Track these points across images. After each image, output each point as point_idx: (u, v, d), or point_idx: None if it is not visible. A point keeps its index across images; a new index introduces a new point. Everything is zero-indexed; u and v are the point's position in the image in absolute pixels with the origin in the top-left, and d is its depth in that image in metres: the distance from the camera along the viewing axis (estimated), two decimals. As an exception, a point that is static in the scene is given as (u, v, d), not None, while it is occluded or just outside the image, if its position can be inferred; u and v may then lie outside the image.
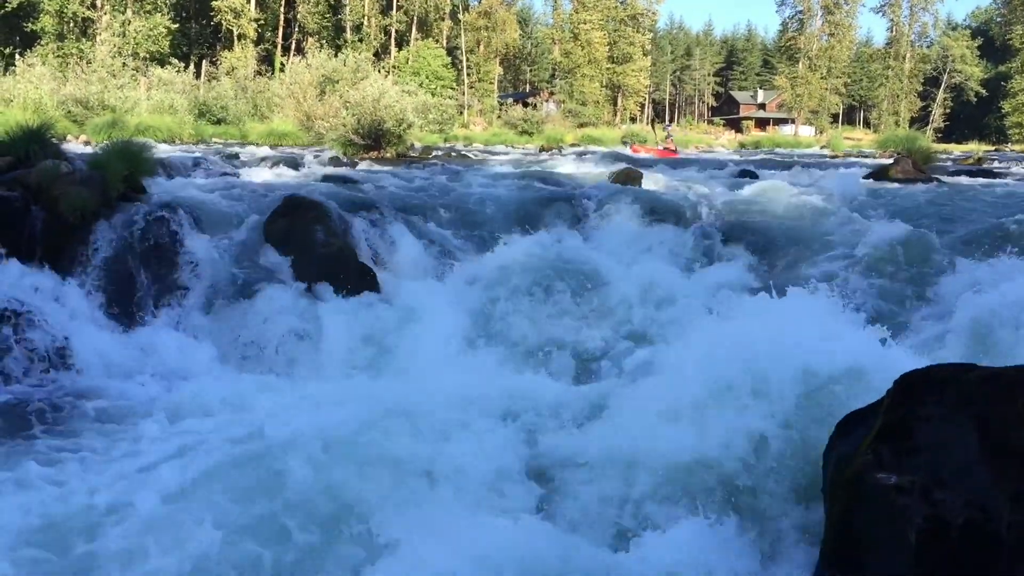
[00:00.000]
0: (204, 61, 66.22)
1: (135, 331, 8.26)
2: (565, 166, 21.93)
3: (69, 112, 33.15)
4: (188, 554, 4.19)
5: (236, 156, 20.37)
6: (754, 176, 17.92)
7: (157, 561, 4.15)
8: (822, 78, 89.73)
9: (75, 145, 22.56)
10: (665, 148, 36.47)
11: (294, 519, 4.48)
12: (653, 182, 15.48)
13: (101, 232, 8.92)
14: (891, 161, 19.11)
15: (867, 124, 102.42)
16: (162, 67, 49.90)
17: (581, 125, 71.30)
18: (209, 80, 56.99)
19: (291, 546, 4.32)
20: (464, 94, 75.72)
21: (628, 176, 15.53)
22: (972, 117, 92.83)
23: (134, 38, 55.05)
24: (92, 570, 4.12)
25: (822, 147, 57.90)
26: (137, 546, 4.27)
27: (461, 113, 66.88)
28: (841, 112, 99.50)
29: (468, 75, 78.85)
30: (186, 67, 54.02)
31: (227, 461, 5.10)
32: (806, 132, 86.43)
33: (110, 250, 8.85)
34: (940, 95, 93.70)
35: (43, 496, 4.89)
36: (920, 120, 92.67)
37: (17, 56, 43.08)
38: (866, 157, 33.29)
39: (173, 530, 4.37)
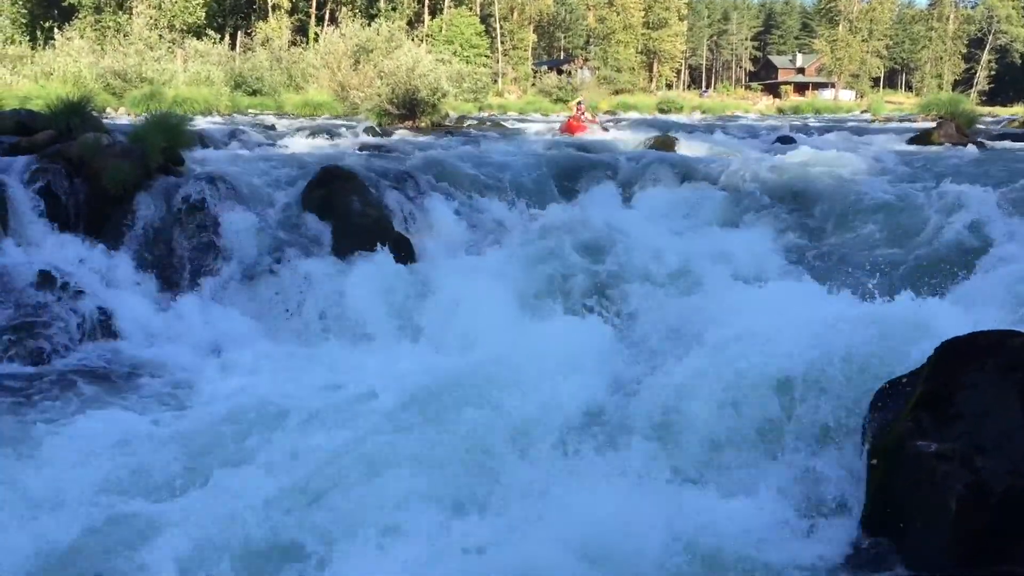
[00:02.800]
0: (239, 32, 66.42)
1: (176, 300, 8.38)
2: (600, 133, 21.79)
3: (108, 85, 33.43)
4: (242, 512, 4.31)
5: (272, 127, 20.48)
6: (792, 141, 17.68)
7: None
8: (863, 41, 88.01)
9: (115, 118, 22.80)
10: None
11: (343, 483, 4.57)
12: (689, 148, 15.36)
13: (142, 204, 9.03)
14: (934, 125, 18.75)
15: (909, 87, 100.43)
16: (198, 39, 50.15)
17: (616, 92, 70.62)
18: (244, 51, 57.16)
19: (351, 505, 4.41)
20: (498, 62, 75.26)
21: (664, 142, 15.44)
22: (1018, 79, 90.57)
23: (170, 10, 55.30)
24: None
25: (863, 111, 56.92)
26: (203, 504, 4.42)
27: (495, 81, 66.50)
28: (882, 75, 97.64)
29: (502, 43, 78.30)
30: (221, 38, 54.33)
31: (267, 428, 5.20)
32: (846, 96, 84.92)
33: (150, 221, 8.97)
34: (984, 57, 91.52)
35: (98, 455, 5.02)
36: (964, 83, 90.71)
37: (56, 30, 43.51)
38: (908, 121, 32.66)
39: (225, 491, 4.51)
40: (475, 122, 27.20)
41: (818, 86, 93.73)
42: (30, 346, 7.13)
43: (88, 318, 7.59)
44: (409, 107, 23.19)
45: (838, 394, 4.63)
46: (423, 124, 23.02)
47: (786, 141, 18.04)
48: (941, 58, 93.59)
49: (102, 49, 41.21)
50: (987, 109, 58.54)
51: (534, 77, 74.05)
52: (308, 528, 4.14)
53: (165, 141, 9.71)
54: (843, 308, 5.19)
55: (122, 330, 7.70)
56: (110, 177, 8.90)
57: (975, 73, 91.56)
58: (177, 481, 4.65)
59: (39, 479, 4.60)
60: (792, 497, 4.31)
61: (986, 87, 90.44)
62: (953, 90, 78.55)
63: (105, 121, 13.04)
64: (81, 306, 7.62)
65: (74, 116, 10.38)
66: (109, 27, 52.18)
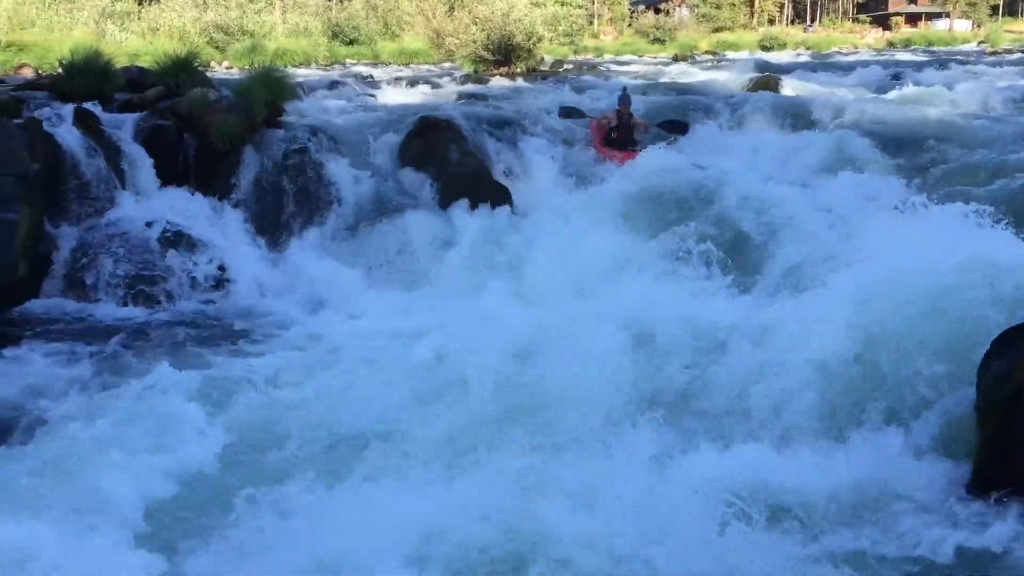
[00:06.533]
0: (335, -18, 66.80)
1: (283, 252, 8.64)
2: (699, 75, 21.29)
3: (211, 39, 34.13)
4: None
5: (370, 77, 20.68)
6: (901, 78, 16.95)
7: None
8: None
9: (219, 72, 23.36)
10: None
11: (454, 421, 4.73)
12: (792, 89, 14.89)
13: (248, 158, 9.28)
14: (1058, 56, 17.62)
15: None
16: (296, -11, 50.65)
17: (716, 30, 68.53)
18: (341, 1, 57.56)
19: (464, 442, 4.57)
20: (593, 3, 73.89)
21: (766, 83, 15.01)
22: None
23: (268, -39, 55.90)
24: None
25: (979, 43, 53.85)
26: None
27: (591, 23, 65.30)
28: (1002, 2, 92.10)
29: (597, -17, 76.75)
30: (318, -12, 54.67)
31: (382, 371, 5.37)
32: (962, 26, 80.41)
33: (257, 175, 9.22)
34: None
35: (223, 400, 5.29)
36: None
37: (160, -14, 44.56)
38: (1029, 52, 30.80)
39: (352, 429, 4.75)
40: (571, 66, 26.87)
41: (931, 16, 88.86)
42: (150, 294, 7.50)
43: (202, 269, 7.91)
44: (504, 53, 23.05)
45: (949, 343, 4.51)
46: (519, 70, 22.87)
47: (896, 78, 17.30)
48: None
49: (204, 3, 42.04)
50: (1119, 37, 54.66)
51: (630, 17, 72.47)
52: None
53: (269, 94, 9.93)
54: (955, 254, 5.00)
55: (234, 281, 8.00)
56: (218, 132, 9.16)
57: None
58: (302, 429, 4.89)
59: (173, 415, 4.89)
60: (898, 448, 4.23)
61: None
62: (1081, 17, 73.51)
63: (209, 75, 13.39)
64: (195, 257, 7.95)
65: (182, 72, 10.71)
66: (211, -20, 53.13)
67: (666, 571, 3.37)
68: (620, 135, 10.89)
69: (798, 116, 11.39)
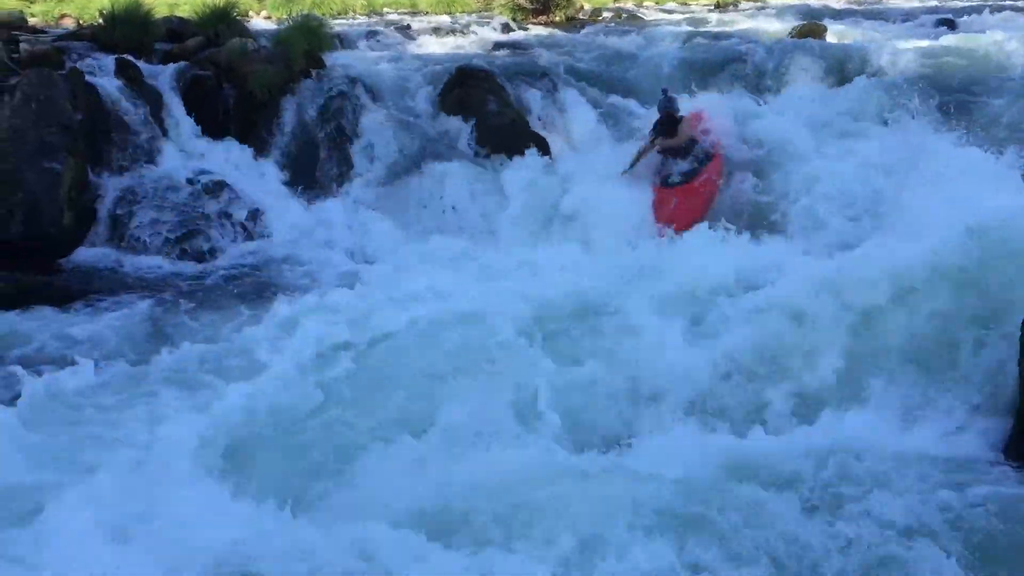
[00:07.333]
0: (373, -72, 66.07)
1: (320, 202, 8.68)
2: (742, 23, 20.80)
3: (249, -12, 34.03)
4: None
5: (408, 27, 20.49)
6: (953, 24, 16.45)
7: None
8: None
9: (257, 21, 23.29)
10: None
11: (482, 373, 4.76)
12: (839, 36, 14.52)
13: (287, 107, 9.30)
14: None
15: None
16: (333, -64, 50.18)
17: (761, -25, 66.86)
18: (378, -52, 56.93)
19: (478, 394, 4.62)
20: (634, -52, 72.39)
21: (812, 30, 14.63)
22: None
23: (305, -92, 55.39)
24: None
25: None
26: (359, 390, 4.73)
27: (631, -31, 64.04)
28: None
29: (639, -73, 75.11)
30: (356, -64, 54.15)
31: (419, 323, 5.41)
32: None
33: (295, 124, 9.25)
34: None
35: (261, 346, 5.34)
36: None
37: (200, -66, 44.37)
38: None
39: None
40: (610, 14, 26.35)
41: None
42: (190, 244, 7.60)
43: (242, 220, 7.99)
44: (543, 1, 22.73)
45: (993, 295, 4.45)
46: (557, 18, 22.55)
47: (947, 24, 16.78)
48: None
49: (242, -48, 41.79)
50: None
51: (672, -37, 70.94)
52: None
53: (307, 44, 9.91)
54: (1003, 206, 4.91)
55: (273, 230, 8.07)
56: (257, 82, 9.18)
57: None
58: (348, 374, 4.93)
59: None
60: (937, 403, 4.20)
61: None
62: None
63: (248, 25, 13.35)
64: (235, 208, 8.03)
65: (221, 22, 10.70)
66: (248, -71, 52.78)
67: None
68: (675, 156, 8.17)
69: (844, 65, 11.11)
